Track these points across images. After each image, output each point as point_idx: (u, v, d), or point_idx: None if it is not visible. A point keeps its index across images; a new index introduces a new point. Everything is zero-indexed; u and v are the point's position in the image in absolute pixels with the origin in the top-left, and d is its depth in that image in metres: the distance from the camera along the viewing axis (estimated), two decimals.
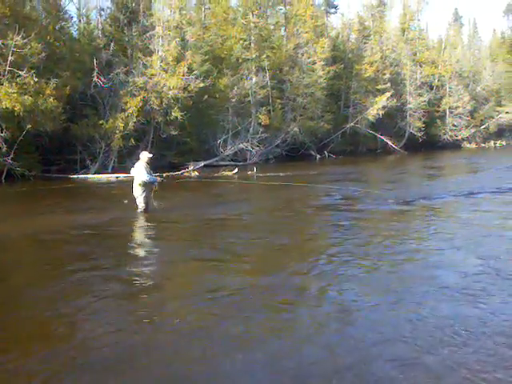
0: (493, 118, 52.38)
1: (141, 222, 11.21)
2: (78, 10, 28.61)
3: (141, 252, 8.67)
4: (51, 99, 20.23)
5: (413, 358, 4.22)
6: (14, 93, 19.24)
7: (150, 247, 9.10)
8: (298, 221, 11.47)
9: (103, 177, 22.56)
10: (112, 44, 24.86)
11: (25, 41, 19.81)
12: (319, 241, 9.36)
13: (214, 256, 7.95)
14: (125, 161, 23.66)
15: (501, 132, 55.66)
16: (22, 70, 19.82)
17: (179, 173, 23.78)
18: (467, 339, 4.56)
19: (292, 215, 12.16)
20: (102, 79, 23.32)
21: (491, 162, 29.71)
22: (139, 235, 10.26)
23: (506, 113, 52.62)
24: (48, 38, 22.65)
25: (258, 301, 5.76)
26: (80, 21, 28.24)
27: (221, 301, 5.74)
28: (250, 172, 24.18)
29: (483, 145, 52.15)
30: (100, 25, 27.44)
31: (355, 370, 4.06)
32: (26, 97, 19.44)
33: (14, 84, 19.53)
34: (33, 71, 19.96)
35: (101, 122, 23.23)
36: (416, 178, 22.49)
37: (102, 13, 27.62)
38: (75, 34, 27.64)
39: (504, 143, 55.42)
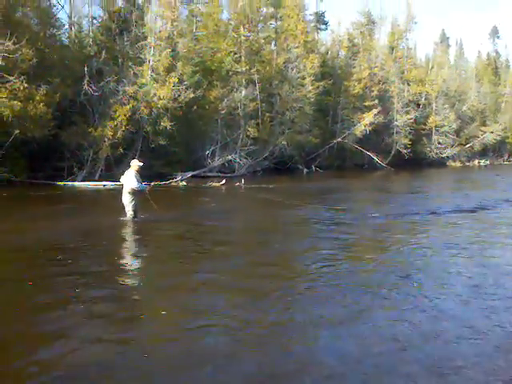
0: (477, 137, 53.16)
1: (127, 230, 11.20)
2: (70, 17, 28.60)
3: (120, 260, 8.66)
4: (41, 105, 20.21)
5: None
6: (3, 98, 19.19)
7: (130, 258, 9.06)
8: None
9: (91, 184, 22.47)
10: (103, 52, 24.87)
11: (16, 46, 19.76)
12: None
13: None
14: (112, 169, 23.61)
15: (485, 151, 56.56)
16: (12, 76, 19.76)
17: (167, 182, 23.79)
18: None
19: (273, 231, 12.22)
20: (93, 87, 23.32)
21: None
22: (122, 244, 10.18)
23: (491, 132, 53.50)
24: (39, 44, 22.64)
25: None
26: (71, 28, 28.19)
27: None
28: (237, 184, 24.25)
29: (468, 163, 52.82)
30: (91, 33, 27.45)
31: None
32: (15, 102, 19.39)
33: (3, 89, 19.48)
34: (23, 77, 19.91)
35: (90, 129, 23.20)
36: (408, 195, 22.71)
37: (94, 21, 27.69)
38: (66, 41, 27.58)
39: (488, 162, 56.23)
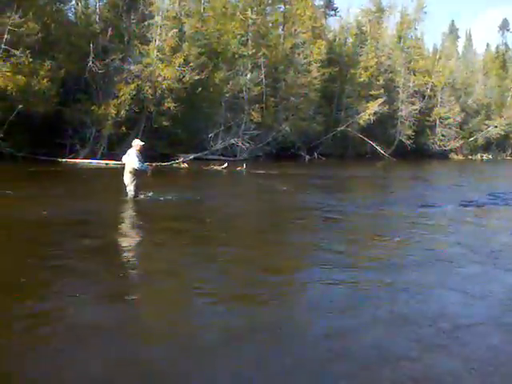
0: (481, 131, 52.98)
1: (128, 209, 11.22)
2: None
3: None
4: (45, 81, 20.14)
5: None
6: (7, 71, 19.11)
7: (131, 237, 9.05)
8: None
9: (93, 162, 22.47)
10: (109, 30, 24.71)
11: (22, 20, 19.66)
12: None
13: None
14: (114, 148, 23.59)
15: (488, 145, 56.35)
16: (18, 50, 19.66)
17: (168, 164, 23.77)
18: None
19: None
20: (98, 65, 23.20)
21: None
22: (123, 223, 10.17)
23: (495, 127, 53.30)
24: (45, 19, 22.47)
25: None
26: (78, 4, 27.92)
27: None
28: (239, 168, 24.23)
29: (470, 157, 52.74)
30: (98, 10, 27.19)
31: None
32: (19, 77, 19.33)
33: (8, 63, 19.39)
34: (28, 51, 19.82)
35: (93, 107, 23.11)
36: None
37: None
38: (72, 17, 27.39)
39: (490, 157, 56.09)
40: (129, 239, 8.58)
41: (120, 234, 8.92)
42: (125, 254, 7.44)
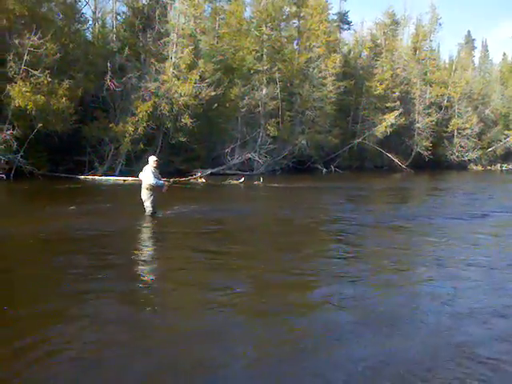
0: (500, 141, 52.38)
1: (146, 225, 11.27)
2: (94, 13, 28.89)
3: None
4: (63, 100, 20.50)
5: None
6: (27, 91, 19.49)
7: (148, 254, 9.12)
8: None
9: (111, 179, 22.69)
10: (126, 48, 25.11)
11: (41, 41, 20.08)
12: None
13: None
14: (133, 164, 23.83)
15: (507, 155, 55.60)
16: (37, 70, 20.08)
17: (186, 179, 23.90)
18: None
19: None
20: (115, 83, 23.57)
21: None
22: (142, 240, 10.25)
23: None
24: (63, 39, 22.94)
25: None
26: (95, 24, 28.49)
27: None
28: (256, 182, 24.25)
29: (489, 167, 52.11)
30: (115, 29, 27.70)
31: None
32: (38, 96, 19.71)
33: (27, 83, 19.80)
34: (47, 71, 20.23)
35: (111, 124, 23.44)
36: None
37: (118, 17, 27.93)
38: (90, 36, 27.91)
39: (510, 166, 55.33)
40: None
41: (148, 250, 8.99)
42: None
